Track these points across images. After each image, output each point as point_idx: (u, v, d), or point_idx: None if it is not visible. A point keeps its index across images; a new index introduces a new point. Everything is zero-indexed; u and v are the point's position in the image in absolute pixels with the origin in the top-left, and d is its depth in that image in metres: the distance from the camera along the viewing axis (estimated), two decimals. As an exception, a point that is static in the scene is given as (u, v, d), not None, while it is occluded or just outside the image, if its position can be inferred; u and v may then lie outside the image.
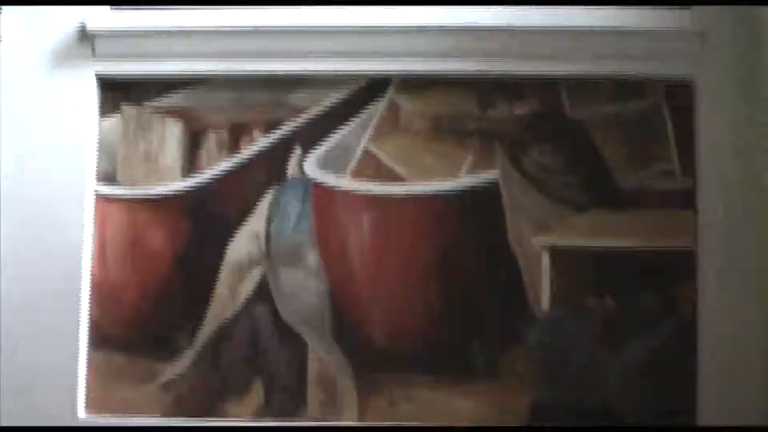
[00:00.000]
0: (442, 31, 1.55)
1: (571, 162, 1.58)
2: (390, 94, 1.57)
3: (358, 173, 1.57)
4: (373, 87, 1.59)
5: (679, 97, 1.59)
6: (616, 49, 1.57)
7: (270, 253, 1.56)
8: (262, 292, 1.58)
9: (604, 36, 1.56)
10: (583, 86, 1.61)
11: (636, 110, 1.60)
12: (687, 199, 1.54)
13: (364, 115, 1.59)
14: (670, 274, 1.54)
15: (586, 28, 1.57)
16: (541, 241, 1.54)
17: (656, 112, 1.60)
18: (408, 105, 1.57)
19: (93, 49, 1.60)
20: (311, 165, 1.59)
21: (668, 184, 1.56)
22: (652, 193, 1.57)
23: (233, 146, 1.62)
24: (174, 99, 1.63)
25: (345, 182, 1.58)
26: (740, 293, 1.49)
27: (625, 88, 1.61)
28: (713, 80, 1.55)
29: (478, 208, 1.54)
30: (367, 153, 1.58)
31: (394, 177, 1.56)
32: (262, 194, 1.59)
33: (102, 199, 1.58)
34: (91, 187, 1.57)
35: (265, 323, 1.56)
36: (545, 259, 1.55)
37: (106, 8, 1.63)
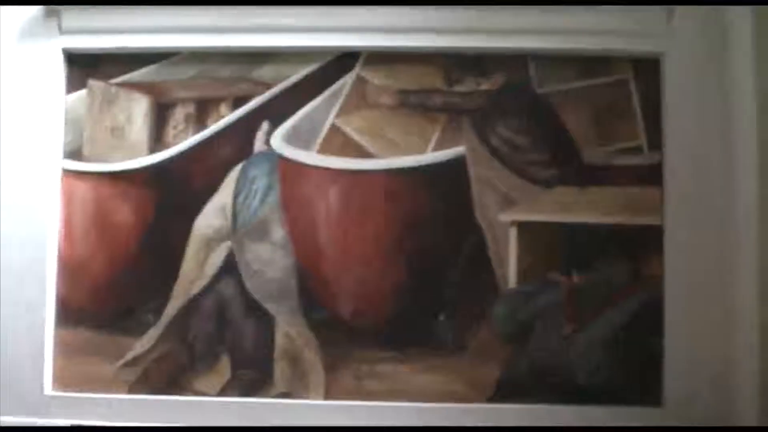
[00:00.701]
0: (410, 6, 1.63)
1: (539, 138, 1.67)
2: (357, 69, 1.66)
3: (325, 148, 1.66)
4: (340, 62, 1.67)
5: (646, 72, 1.69)
6: (584, 25, 1.66)
7: (237, 227, 1.65)
8: (229, 267, 1.67)
9: (572, 12, 1.65)
10: (550, 62, 1.70)
11: (603, 86, 1.70)
12: (654, 175, 1.63)
13: (331, 89, 1.68)
14: (637, 249, 1.64)
15: (554, 3, 1.66)
16: (509, 216, 1.64)
17: (623, 87, 1.70)
18: (375, 80, 1.67)
19: (59, 24, 1.68)
20: (278, 140, 1.68)
21: (635, 160, 1.66)
22: (619, 169, 1.66)
23: (200, 121, 1.71)
24: (141, 74, 1.72)
25: (312, 157, 1.67)
26: (706, 268, 1.58)
27: (592, 63, 1.70)
28: (680, 56, 1.64)
29: (445, 183, 1.64)
30: (334, 128, 1.67)
31: (362, 152, 1.66)
32: (229, 169, 1.67)
33: (68, 175, 1.66)
34: (57, 162, 1.64)
35: (232, 298, 1.65)
36: (512, 235, 1.64)
37: None
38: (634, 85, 1.63)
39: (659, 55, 1.60)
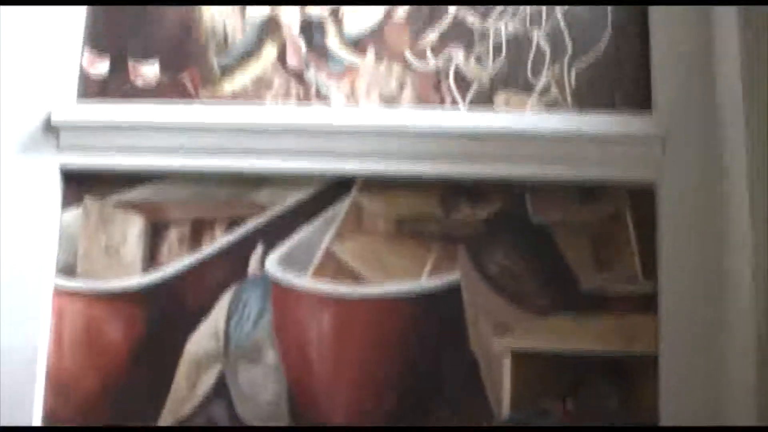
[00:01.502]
0: (406, 133, 1.87)
1: (534, 265, 1.90)
2: (354, 194, 1.89)
3: (319, 273, 1.89)
4: (336, 187, 1.88)
5: (641, 201, 1.90)
6: (579, 154, 1.89)
7: (229, 350, 1.87)
8: (220, 390, 1.88)
9: (567, 141, 1.89)
10: (545, 190, 1.93)
11: (598, 214, 1.92)
12: (649, 304, 1.84)
13: (327, 214, 1.90)
14: (632, 378, 1.86)
15: (549, 132, 1.90)
16: (503, 344, 1.85)
17: (619, 216, 1.93)
18: (371, 206, 1.90)
19: (58, 141, 1.91)
20: (273, 263, 1.90)
21: (630, 289, 1.88)
22: (614, 298, 1.88)
23: (195, 242, 1.94)
24: (137, 193, 1.94)
25: (306, 282, 1.90)
26: (702, 398, 1.78)
27: (587, 192, 1.93)
28: (675, 185, 1.85)
29: (440, 310, 1.85)
30: (329, 253, 1.89)
31: (356, 278, 1.88)
32: (223, 291, 1.89)
33: (61, 292, 1.87)
34: (50, 279, 1.86)
35: (222, 421, 1.87)
36: (507, 362, 1.86)
37: (72, 100, 1.96)
38: (630, 213, 1.86)
39: (654, 185, 1.81)
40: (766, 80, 1.67)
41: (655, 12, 1.93)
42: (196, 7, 1.94)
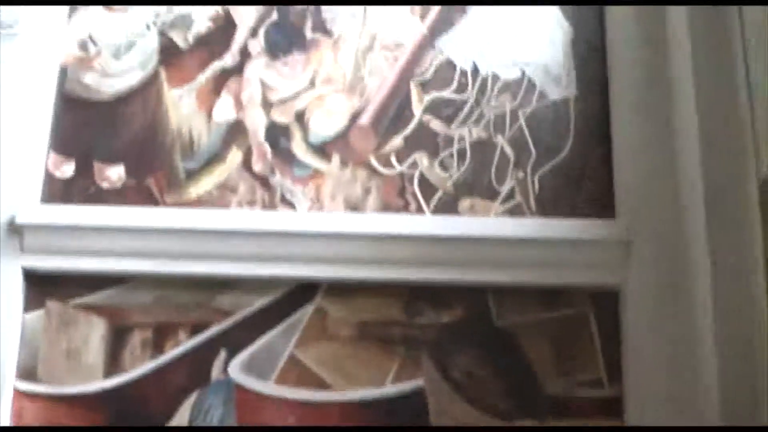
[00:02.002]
0: (371, 239, 2.04)
1: (498, 370, 2.05)
2: (318, 299, 2.05)
3: (283, 378, 2.02)
4: (301, 292, 2.01)
5: (605, 305, 2.06)
6: (542, 258, 2.05)
7: None
8: (181, 498, 1.99)
9: (530, 245, 2.06)
10: (509, 294, 2.08)
11: (563, 318, 2.08)
12: (615, 408, 1.99)
13: (291, 319, 2.04)
14: None
15: (513, 237, 2.07)
16: None
17: (583, 319, 2.09)
18: (335, 311, 2.05)
19: (21, 243, 2.06)
20: (236, 369, 2.04)
21: (595, 393, 2.04)
22: (579, 402, 2.03)
23: (158, 347, 2.07)
24: (100, 296, 2.08)
25: (270, 387, 2.05)
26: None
27: (551, 296, 2.09)
28: (639, 289, 2.00)
29: (404, 416, 1.97)
30: (293, 359, 2.03)
31: (320, 384, 2.02)
32: (186, 396, 2.02)
33: (21, 395, 1.99)
34: (10, 382, 1.95)
35: None
36: None
37: (37, 202, 2.12)
38: (594, 317, 2.01)
39: (618, 288, 1.97)
40: (729, 184, 1.85)
41: (617, 116, 2.11)
42: (163, 110, 2.08)
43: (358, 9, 2.25)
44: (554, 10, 2.24)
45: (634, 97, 2.12)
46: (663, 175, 2.05)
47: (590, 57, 2.24)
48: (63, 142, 2.16)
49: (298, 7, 2.25)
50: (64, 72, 2.21)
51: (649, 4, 2.11)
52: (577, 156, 2.12)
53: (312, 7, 2.26)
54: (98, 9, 2.26)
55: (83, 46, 2.15)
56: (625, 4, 2.08)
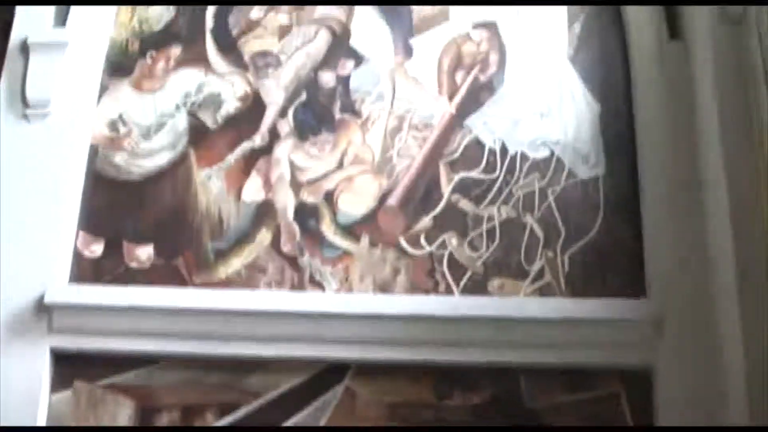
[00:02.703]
0: (399, 319, 2.07)
1: None
2: (347, 380, 2.08)
3: None
4: (330, 373, 2.04)
5: (637, 385, 2.07)
6: (573, 339, 2.07)
7: None
8: None
9: (561, 325, 2.08)
10: (540, 375, 2.11)
11: (594, 399, 2.10)
12: None
13: (320, 401, 2.07)
14: None
15: (543, 318, 2.11)
16: None
17: (614, 400, 2.11)
18: (364, 392, 2.07)
19: (49, 323, 2.09)
20: None
21: None
22: None
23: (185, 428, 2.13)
24: (127, 377, 2.10)
25: None
26: None
27: (582, 376, 2.11)
28: (671, 368, 1.99)
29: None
30: None
31: None
32: None
33: (48, 479, 2.01)
34: (37, 462, 1.95)
35: None
36: None
37: (66, 281, 2.17)
38: (626, 397, 2.04)
39: (650, 368, 1.99)
40: (760, 263, 1.87)
41: (647, 195, 2.16)
42: (192, 191, 2.14)
43: (386, 89, 2.38)
44: (583, 89, 2.30)
45: (663, 176, 2.17)
46: (694, 254, 2.07)
47: (619, 135, 2.30)
48: (92, 221, 2.22)
49: (327, 88, 2.35)
50: (94, 151, 2.30)
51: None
52: (607, 235, 2.17)
53: (341, 88, 2.35)
54: (128, 89, 2.36)
55: (113, 127, 2.24)
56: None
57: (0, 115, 2.31)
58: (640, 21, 2.35)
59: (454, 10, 2.39)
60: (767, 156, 1.86)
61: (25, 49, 2.37)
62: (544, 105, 2.25)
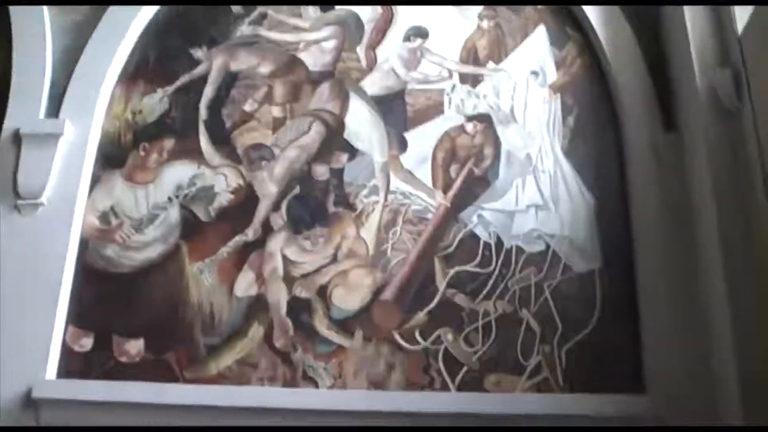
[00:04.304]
0: (394, 416, 2.07)
1: None
2: None
3: None
4: None
5: None
6: None
7: None
8: None
9: (559, 421, 2.09)
10: None
11: None
12: None
13: None
14: None
15: (540, 414, 2.10)
16: None
17: None
18: None
19: (37, 417, 2.10)
20: None
21: None
22: None
23: None
24: None
25: None
26: None
27: None
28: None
29: None
30: None
31: None
32: None
33: None
34: None
35: None
36: None
37: (54, 376, 2.20)
38: None
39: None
40: (762, 361, 1.94)
41: (644, 288, 2.24)
42: (184, 284, 2.21)
43: (381, 183, 2.45)
44: (578, 182, 2.40)
45: (660, 268, 2.24)
46: (694, 348, 2.14)
47: (615, 229, 2.38)
48: (82, 315, 2.29)
49: (321, 181, 2.44)
50: (85, 244, 2.36)
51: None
52: (605, 329, 2.25)
53: (335, 181, 2.44)
54: (120, 181, 2.43)
55: (105, 219, 2.31)
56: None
57: (-8, 205, 2.21)
58: (634, 113, 2.44)
59: (448, 104, 2.38)
60: (765, 250, 1.89)
61: (17, 139, 2.43)
62: (539, 198, 2.28)
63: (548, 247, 2.26)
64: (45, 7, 2.62)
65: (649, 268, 2.26)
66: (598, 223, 2.34)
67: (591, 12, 2.53)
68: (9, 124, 2.45)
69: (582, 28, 2.57)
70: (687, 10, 2.33)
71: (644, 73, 2.50)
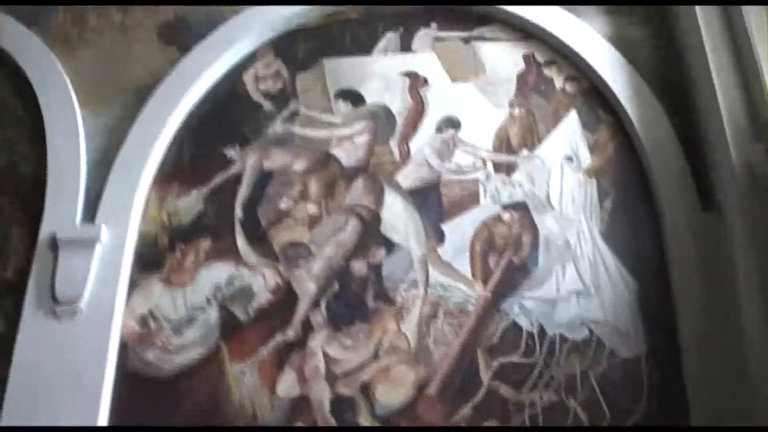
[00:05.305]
0: None
1: None
2: None
3: None
4: None
5: None
6: None
7: None
8: None
9: None
10: None
11: None
12: None
13: None
14: None
15: None
16: None
17: None
18: None
19: None
20: None
21: None
22: None
23: None
24: None
25: None
26: None
27: None
28: None
29: None
30: None
31: None
32: None
33: None
34: None
35: None
36: None
37: None
38: None
39: None
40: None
41: (691, 372, 2.27)
42: (225, 386, 2.28)
43: (419, 276, 2.50)
44: (618, 265, 2.46)
45: (706, 353, 2.26)
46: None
47: (658, 312, 2.41)
48: (123, 419, 2.33)
49: (359, 277, 2.48)
50: (124, 348, 2.41)
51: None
52: (653, 416, 2.28)
53: (373, 276, 2.48)
54: (158, 284, 2.50)
55: (144, 322, 2.36)
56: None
57: (29, 312, 2.44)
58: (671, 194, 2.47)
59: (483, 193, 2.44)
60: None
61: (54, 245, 2.47)
62: (580, 284, 2.31)
63: (592, 333, 2.29)
64: (78, 108, 2.69)
65: (695, 352, 2.28)
66: (640, 307, 2.38)
67: (621, 92, 2.57)
68: (46, 229, 2.52)
69: (614, 109, 2.56)
70: (718, 85, 2.40)
71: (678, 151, 2.52)
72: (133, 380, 2.34)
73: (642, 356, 2.28)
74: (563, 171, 2.53)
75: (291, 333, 2.34)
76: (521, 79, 2.72)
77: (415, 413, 2.23)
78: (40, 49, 2.85)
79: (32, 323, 2.40)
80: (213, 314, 2.38)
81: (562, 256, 2.42)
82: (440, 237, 2.45)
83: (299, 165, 2.59)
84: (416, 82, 2.73)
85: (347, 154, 2.61)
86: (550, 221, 2.46)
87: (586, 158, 2.58)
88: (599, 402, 2.20)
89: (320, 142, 2.71)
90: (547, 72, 2.73)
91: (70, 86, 2.79)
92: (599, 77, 2.66)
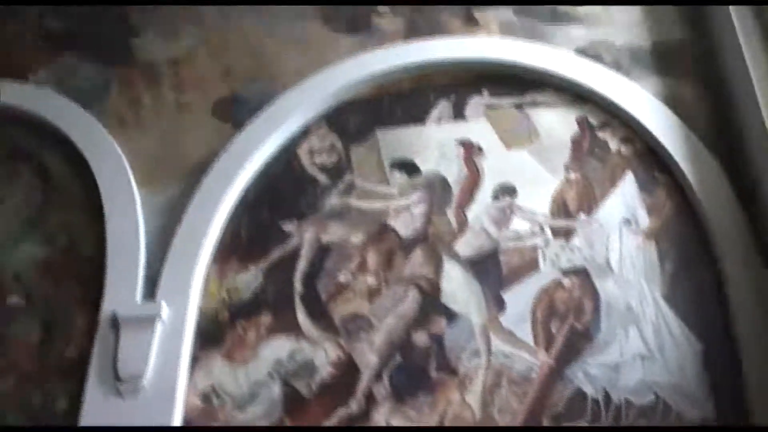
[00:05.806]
0: None
1: None
2: None
3: None
4: None
5: None
6: None
7: None
8: None
9: None
10: None
11: None
12: None
13: None
14: None
15: None
16: None
17: None
18: None
19: None
20: None
21: None
22: None
23: None
24: None
25: None
26: None
27: None
28: None
29: None
30: None
31: None
32: None
33: None
34: None
35: None
36: None
37: None
38: None
39: None
40: None
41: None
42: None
43: (482, 345, 2.54)
44: (682, 327, 2.50)
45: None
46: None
47: (724, 374, 2.42)
48: None
49: (421, 348, 2.50)
50: (188, 425, 2.44)
51: None
52: None
53: (435, 346, 2.54)
54: (220, 360, 2.55)
55: (207, 399, 2.40)
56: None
57: (92, 390, 2.49)
58: (732, 252, 2.51)
59: (542, 260, 2.46)
60: None
61: (115, 323, 2.52)
62: (644, 348, 2.32)
63: (658, 397, 2.31)
64: (135, 188, 2.76)
65: (763, 412, 2.22)
66: (706, 369, 2.39)
67: (676, 152, 2.59)
68: (107, 308, 2.58)
69: (669, 169, 2.58)
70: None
71: (736, 208, 2.53)
72: (198, 459, 2.31)
73: (709, 418, 2.24)
74: (622, 234, 2.55)
75: (354, 406, 2.36)
76: (575, 142, 2.74)
77: (482, 483, 2.19)
78: (97, 131, 2.88)
79: (95, 401, 2.44)
80: (275, 389, 2.41)
81: (624, 320, 2.42)
82: (501, 305, 2.45)
83: (357, 237, 2.63)
84: (471, 150, 2.73)
85: (405, 225, 2.65)
86: (611, 285, 2.47)
87: (644, 220, 2.60)
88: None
89: (377, 213, 2.73)
90: (601, 135, 2.74)
91: (127, 166, 2.76)
92: (653, 137, 2.68)
